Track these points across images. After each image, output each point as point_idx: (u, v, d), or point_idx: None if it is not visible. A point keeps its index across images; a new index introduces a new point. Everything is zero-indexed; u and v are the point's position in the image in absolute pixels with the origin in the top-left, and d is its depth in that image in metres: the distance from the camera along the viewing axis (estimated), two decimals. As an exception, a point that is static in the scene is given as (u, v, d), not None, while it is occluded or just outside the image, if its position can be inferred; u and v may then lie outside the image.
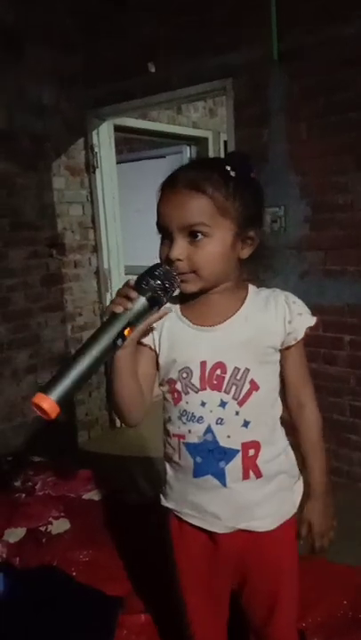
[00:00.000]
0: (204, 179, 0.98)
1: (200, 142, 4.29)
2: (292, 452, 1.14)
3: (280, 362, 1.10)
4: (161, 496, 1.18)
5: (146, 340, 1.08)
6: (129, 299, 0.94)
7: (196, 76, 2.87)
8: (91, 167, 3.44)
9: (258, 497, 1.07)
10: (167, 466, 1.14)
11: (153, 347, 1.09)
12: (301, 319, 1.06)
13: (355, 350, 2.65)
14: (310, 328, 1.08)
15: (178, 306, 1.10)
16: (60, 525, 1.85)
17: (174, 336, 1.08)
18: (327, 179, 2.58)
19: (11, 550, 1.73)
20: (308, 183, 2.61)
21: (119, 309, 0.93)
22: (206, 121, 4.31)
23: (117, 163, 3.66)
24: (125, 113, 3.37)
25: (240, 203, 0.99)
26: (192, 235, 0.98)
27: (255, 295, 1.08)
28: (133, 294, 0.94)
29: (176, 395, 1.07)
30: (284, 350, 1.08)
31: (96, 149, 3.42)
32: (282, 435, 1.13)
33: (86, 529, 1.83)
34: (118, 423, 3.79)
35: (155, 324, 1.06)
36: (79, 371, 0.88)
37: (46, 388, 0.86)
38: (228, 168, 1.00)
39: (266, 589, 1.13)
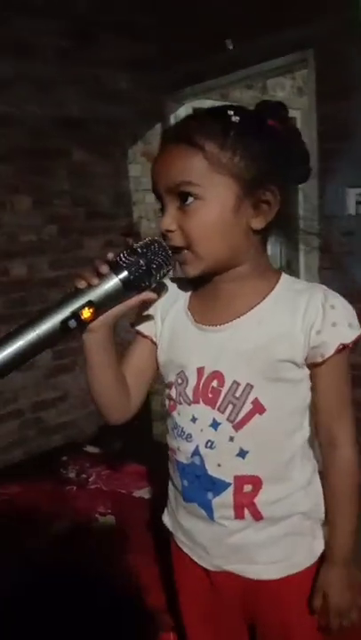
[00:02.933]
0: (196, 127, 0.78)
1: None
2: (318, 489, 0.91)
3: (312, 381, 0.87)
4: (165, 510, 1.03)
5: (146, 331, 0.93)
6: (98, 274, 0.78)
7: (274, 50, 2.67)
8: (168, 153, 3.35)
9: (257, 539, 0.87)
10: (170, 479, 0.99)
11: (154, 339, 0.93)
12: (335, 331, 0.81)
13: None
14: (349, 346, 0.82)
15: (188, 295, 0.92)
16: (105, 522, 1.79)
17: (175, 332, 0.90)
18: None
19: (54, 545, 1.69)
20: None
21: (82, 284, 0.77)
22: (294, 100, 4.06)
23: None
24: (203, 94, 3.23)
25: (244, 155, 0.78)
26: (181, 198, 0.79)
27: (285, 290, 0.85)
28: (104, 269, 0.78)
29: (172, 402, 0.91)
30: (311, 367, 0.85)
31: (174, 134, 3.31)
32: (303, 468, 0.89)
33: (130, 529, 1.75)
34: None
35: (156, 310, 0.90)
36: (10, 351, 0.74)
37: None
38: (231, 112, 0.79)
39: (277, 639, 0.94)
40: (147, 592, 1.49)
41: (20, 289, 2.76)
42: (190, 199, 0.79)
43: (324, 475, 0.91)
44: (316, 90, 2.58)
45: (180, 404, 0.89)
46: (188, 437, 0.88)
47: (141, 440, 3.38)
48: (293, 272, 3.93)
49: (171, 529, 1.00)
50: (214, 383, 0.85)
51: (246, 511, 0.86)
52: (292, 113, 4.30)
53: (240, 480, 0.85)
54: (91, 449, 2.36)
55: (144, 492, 1.99)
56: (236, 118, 0.79)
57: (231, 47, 2.89)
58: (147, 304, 0.90)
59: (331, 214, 2.56)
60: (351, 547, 0.89)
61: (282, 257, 4.08)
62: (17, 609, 1.48)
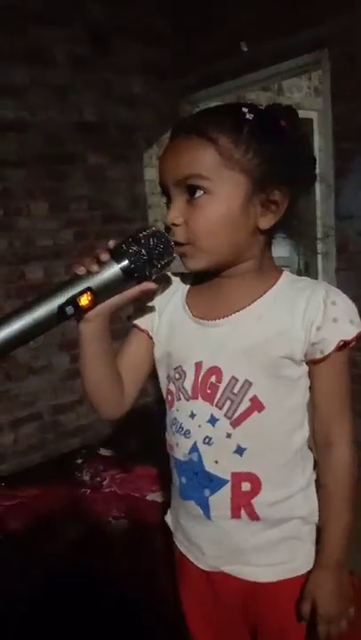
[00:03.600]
0: (209, 121, 0.77)
1: (304, 124, 4.02)
2: (315, 493, 0.89)
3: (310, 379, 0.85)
4: (168, 510, 1.01)
5: (143, 325, 0.91)
6: (98, 261, 0.76)
7: (289, 51, 2.65)
8: (184, 156, 3.35)
9: (255, 541, 0.85)
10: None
11: (151, 333, 0.91)
12: (335, 328, 0.79)
13: None
14: (350, 343, 0.80)
15: (186, 289, 0.90)
16: (118, 526, 1.79)
17: (173, 326, 0.88)
18: None
19: (67, 549, 1.70)
20: None
21: (81, 271, 0.75)
22: (311, 101, 4.03)
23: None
24: (217, 97, 3.22)
25: (257, 152, 0.76)
26: (190, 191, 0.77)
27: (287, 286, 0.83)
28: (105, 257, 0.75)
29: (170, 398, 0.89)
30: (310, 365, 0.83)
31: (189, 137, 3.31)
32: (303, 470, 0.87)
33: (142, 533, 1.75)
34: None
35: (154, 304, 0.88)
36: (4, 334, 0.72)
37: None
38: (245, 110, 0.78)
39: None
40: (159, 594, 1.48)
41: (37, 293, 2.77)
42: (199, 193, 0.77)
43: (318, 476, 0.89)
44: (332, 90, 2.56)
45: (179, 399, 0.87)
46: (187, 433, 0.86)
47: (157, 440, 3.39)
48: (311, 274, 3.90)
49: (172, 528, 0.99)
50: (213, 379, 0.83)
51: (243, 511, 0.84)
52: (308, 114, 4.29)
53: (237, 477, 0.83)
54: (104, 452, 2.36)
55: (157, 496, 1.98)
56: (250, 115, 0.77)
57: (245, 49, 2.89)
58: (144, 297, 0.87)
59: (347, 214, 2.53)
60: (343, 551, 0.86)
61: (300, 259, 4.05)
62: (33, 609, 1.49)
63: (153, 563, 1.60)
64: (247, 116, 0.77)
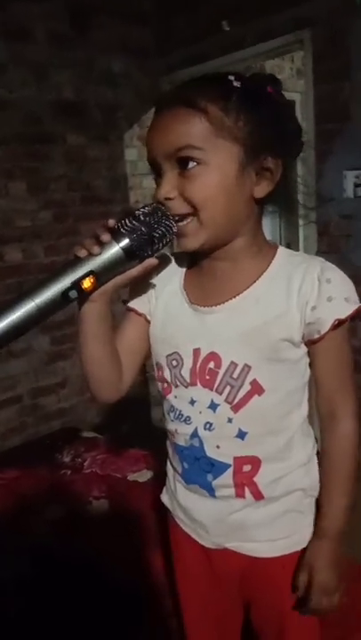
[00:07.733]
0: (196, 91, 0.75)
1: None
2: (317, 466, 0.90)
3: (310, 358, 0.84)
4: (164, 490, 1.01)
5: (140, 308, 0.90)
6: (99, 242, 0.74)
7: (272, 31, 2.63)
8: (165, 137, 3.32)
9: (258, 516, 0.86)
10: (168, 460, 0.98)
11: (148, 317, 0.90)
12: (330, 306, 0.78)
13: None
14: (346, 321, 0.79)
15: (183, 274, 0.88)
16: (99, 506, 1.80)
17: (170, 311, 0.87)
18: None
19: (48, 530, 1.69)
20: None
21: (82, 253, 0.73)
22: (293, 82, 4.00)
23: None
24: (199, 77, 3.19)
25: (247, 120, 0.74)
26: (182, 163, 0.75)
27: (282, 265, 0.81)
28: (105, 237, 0.74)
29: (166, 385, 0.88)
30: (309, 345, 0.82)
31: (170, 118, 3.28)
32: (303, 445, 0.88)
33: (123, 513, 1.76)
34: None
35: (151, 286, 0.87)
36: (7, 322, 0.71)
37: None
38: (232, 78, 0.76)
39: (272, 621, 0.93)
40: (141, 573, 1.49)
41: (16, 274, 2.75)
42: (192, 164, 0.75)
43: (321, 448, 0.90)
44: (314, 71, 2.55)
45: (177, 386, 0.87)
46: (187, 420, 0.86)
47: (140, 425, 3.39)
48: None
49: (169, 506, 0.99)
50: (211, 365, 0.83)
51: (247, 490, 0.85)
52: (291, 96, 4.27)
53: (239, 461, 0.84)
54: (87, 434, 2.36)
55: (138, 476, 1.99)
56: (237, 83, 0.76)
57: (227, 28, 2.85)
58: (147, 274, 0.85)
59: (329, 197, 2.53)
60: (344, 523, 0.87)
61: (282, 240, 4.06)
62: (17, 589, 1.49)
63: (135, 542, 1.61)
64: (234, 83, 0.76)
